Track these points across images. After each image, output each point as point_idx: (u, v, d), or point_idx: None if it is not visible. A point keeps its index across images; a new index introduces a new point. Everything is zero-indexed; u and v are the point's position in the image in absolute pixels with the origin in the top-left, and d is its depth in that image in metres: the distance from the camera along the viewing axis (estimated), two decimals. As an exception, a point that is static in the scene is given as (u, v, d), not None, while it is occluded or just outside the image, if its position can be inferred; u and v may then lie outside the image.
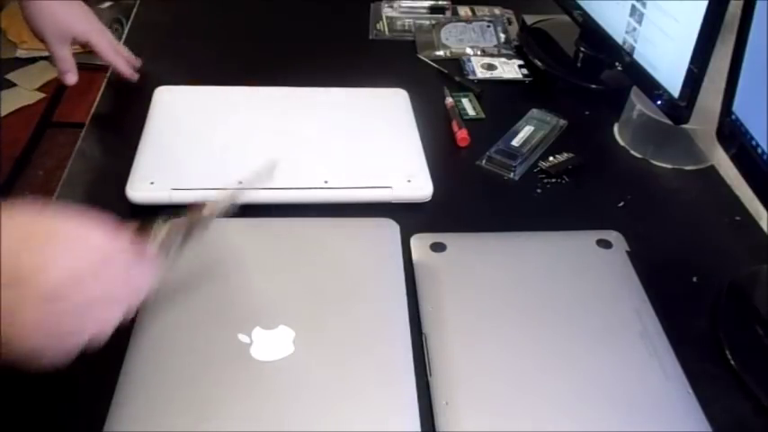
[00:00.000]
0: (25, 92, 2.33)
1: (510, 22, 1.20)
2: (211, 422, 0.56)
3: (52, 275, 0.43)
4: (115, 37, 0.98)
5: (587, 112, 0.99)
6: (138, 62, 1.00)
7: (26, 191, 2.00)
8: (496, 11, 1.23)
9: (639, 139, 0.93)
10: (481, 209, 0.83)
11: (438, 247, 0.73)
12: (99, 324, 0.46)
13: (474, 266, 0.71)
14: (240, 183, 0.61)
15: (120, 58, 0.97)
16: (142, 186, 0.77)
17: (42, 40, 0.91)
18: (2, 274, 0.41)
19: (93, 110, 0.95)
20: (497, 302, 0.67)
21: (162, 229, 0.52)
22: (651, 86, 0.86)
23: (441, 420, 0.58)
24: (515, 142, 0.90)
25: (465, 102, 0.99)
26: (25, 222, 0.44)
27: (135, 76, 0.98)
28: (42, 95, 2.34)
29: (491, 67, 1.07)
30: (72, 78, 0.94)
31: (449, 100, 0.98)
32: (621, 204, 0.84)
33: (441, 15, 1.21)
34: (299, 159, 0.83)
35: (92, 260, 0.45)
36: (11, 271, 0.41)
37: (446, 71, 1.06)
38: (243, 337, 0.61)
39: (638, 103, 0.91)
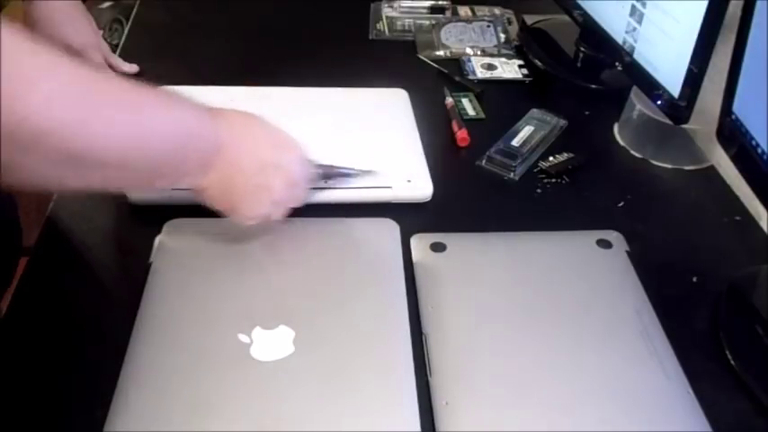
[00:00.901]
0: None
1: (510, 22, 1.20)
2: (211, 422, 0.56)
3: (290, 171, 0.67)
4: (115, 37, 0.99)
5: (587, 112, 0.99)
6: (134, 68, 1.00)
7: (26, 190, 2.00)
8: (496, 11, 1.23)
9: (639, 139, 0.93)
10: (481, 209, 0.83)
11: (438, 247, 0.73)
12: (280, 206, 0.68)
13: (474, 266, 0.71)
14: (350, 169, 0.79)
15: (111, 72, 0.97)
16: (142, 186, 0.77)
17: None
18: (264, 162, 0.64)
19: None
20: (497, 302, 0.67)
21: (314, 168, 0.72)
22: (651, 86, 0.86)
23: (441, 420, 0.58)
24: (515, 142, 0.90)
25: (465, 102, 0.99)
26: (275, 133, 0.67)
27: None
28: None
29: (491, 67, 1.07)
30: None
31: (449, 100, 0.98)
32: (621, 204, 0.84)
33: (441, 15, 1.21)
34: (299, 159, 0.83)
35: (296, 175, 0.68)
36: (265, 160, 0.65)
37: (446, 71, 1.06)
38: (243, 337, 0.61)
39: (638, 103, 0.91)
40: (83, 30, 0.93)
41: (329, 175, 0.77)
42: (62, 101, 0.47)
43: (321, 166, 0.74)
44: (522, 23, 1.16)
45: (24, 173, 0.49)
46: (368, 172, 0.80)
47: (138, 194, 0.77)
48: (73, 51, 0.92)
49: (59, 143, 0.47)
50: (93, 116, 0.49)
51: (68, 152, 0.48)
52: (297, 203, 0.69)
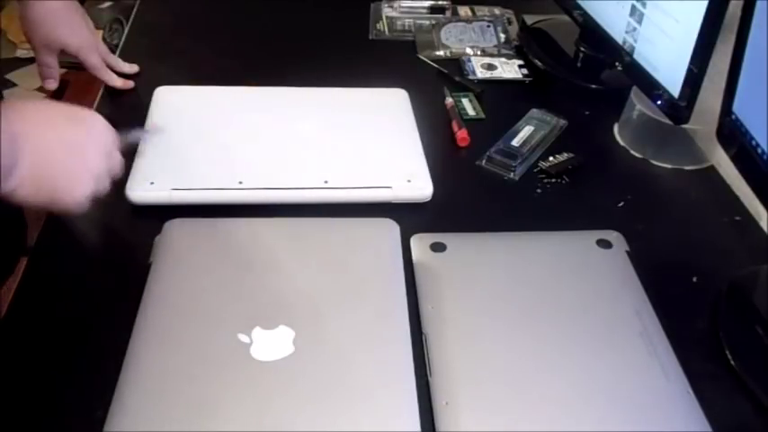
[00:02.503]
0: (25, 92, 2.33)
1: (510, 22, 1.20)
2: (211, 422, 0.56)
3: (98, 141, 0.66)
4: (115, 37, 0.98)
5: (587, 112, 0.99)
6: (134, 68, 1.00)
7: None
8: (496, 11, 1.23)
9: (639, 139, 0.93)
10: (481, 209, 0.83)
11: (438, 247, 0.73)
12: (101, 179, 0.66)
13: (474, 266, 0.71)
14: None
15: (109, 73, 0.97)
16: (142, 186, 0.77)
17: (30, 43, 0.91)
18: (70, 141, 0.63)
19: (93, 110, 0.94)
20: (497, 302, 0.67)
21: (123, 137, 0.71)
22: (651, 86, 0.86)
23: (441, 420, 0.58)
24: (515, 142, 0.90)
25: (465, 102, 0.99)
26: (67, 110, 0.65)
27: (129, 85, 0.98)
28: (42, 95, 2.34)
29: (491, 67, 1.07)
30: (52, 85, 0.95)
31: (449, 100, 0.98)
32: (621, 204, 0.84)
33: (441, 15, 1.21)
34: (299, 159, 0.83)
35: (106, 144, 0.67)
36: (71, 139, 0.63)
37: (446, 71, 1.06)
38: (243, 337, 0.61)
39: (638, 103, 0.91)
40: (79, 31, 0.92)
41: (129, 138, 0.75)
42: None
43: (120, 131, 0.71)
44: (522, 23, 1.16)
45: None
46: (156, 131, 0.85)
47: (138, 194, 0.77)
48: (69, 53, 0.93)
49: None
50: None
51: None
52: (116, 172, 0.69)
